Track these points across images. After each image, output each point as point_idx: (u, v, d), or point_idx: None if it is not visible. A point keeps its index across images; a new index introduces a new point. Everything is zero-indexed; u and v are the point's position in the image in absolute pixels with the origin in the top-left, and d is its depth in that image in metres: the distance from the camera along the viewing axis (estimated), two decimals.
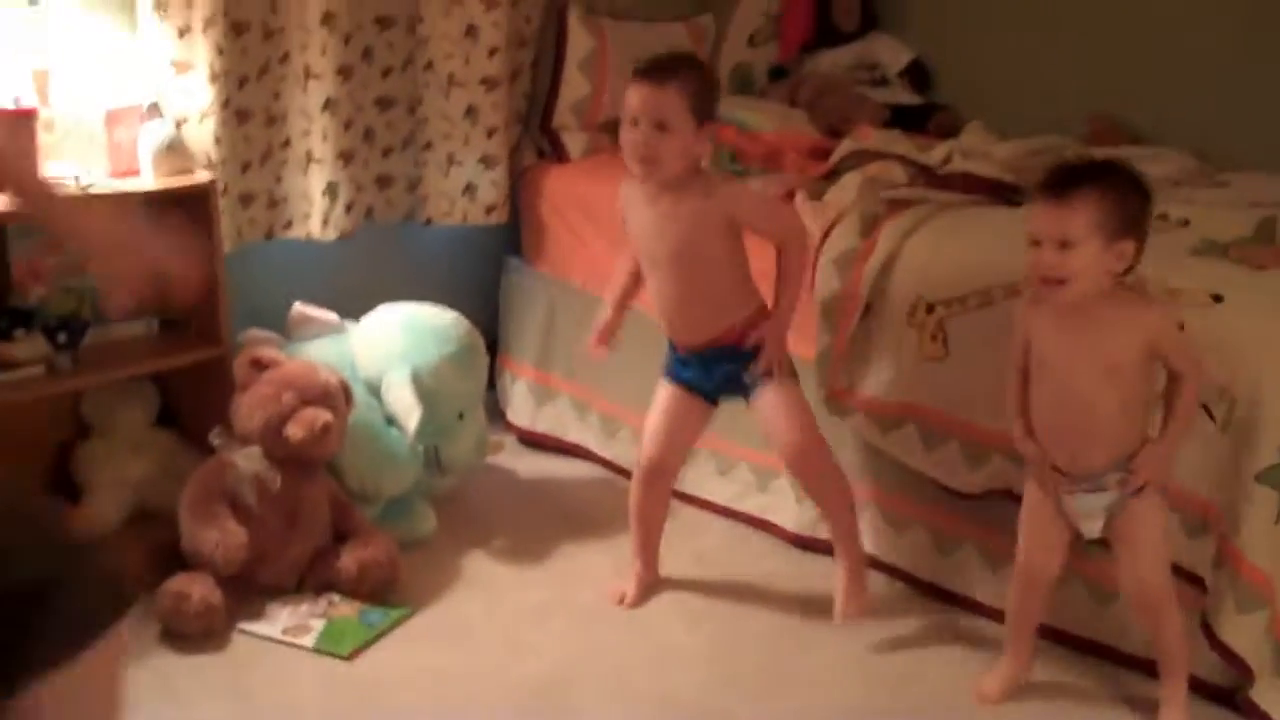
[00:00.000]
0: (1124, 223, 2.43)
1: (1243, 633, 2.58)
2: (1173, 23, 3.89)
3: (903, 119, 4.08)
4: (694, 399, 3.01)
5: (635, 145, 2.76)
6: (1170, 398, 2.51)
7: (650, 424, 3.06)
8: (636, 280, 3.05)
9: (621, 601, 3.11)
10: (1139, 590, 2.58)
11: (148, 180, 3.12)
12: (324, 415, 3.06)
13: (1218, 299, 2.67)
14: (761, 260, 2.92)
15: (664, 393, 3.04)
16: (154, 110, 3.17)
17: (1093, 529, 2.59)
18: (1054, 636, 2.91)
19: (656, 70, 2.78)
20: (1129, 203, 2.44)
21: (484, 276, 4.01)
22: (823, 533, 3.24)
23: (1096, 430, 2.52)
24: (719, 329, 2.90)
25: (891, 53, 4.39)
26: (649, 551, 3.17)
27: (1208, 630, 2.63)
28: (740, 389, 2.94)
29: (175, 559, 3.00)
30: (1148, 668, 2.74)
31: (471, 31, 3.67)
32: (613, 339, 3.09)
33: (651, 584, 3.17)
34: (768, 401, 2.91)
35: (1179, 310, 2.65)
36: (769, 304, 2.92)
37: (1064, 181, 2.45)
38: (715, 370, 2.95)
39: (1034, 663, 2.80)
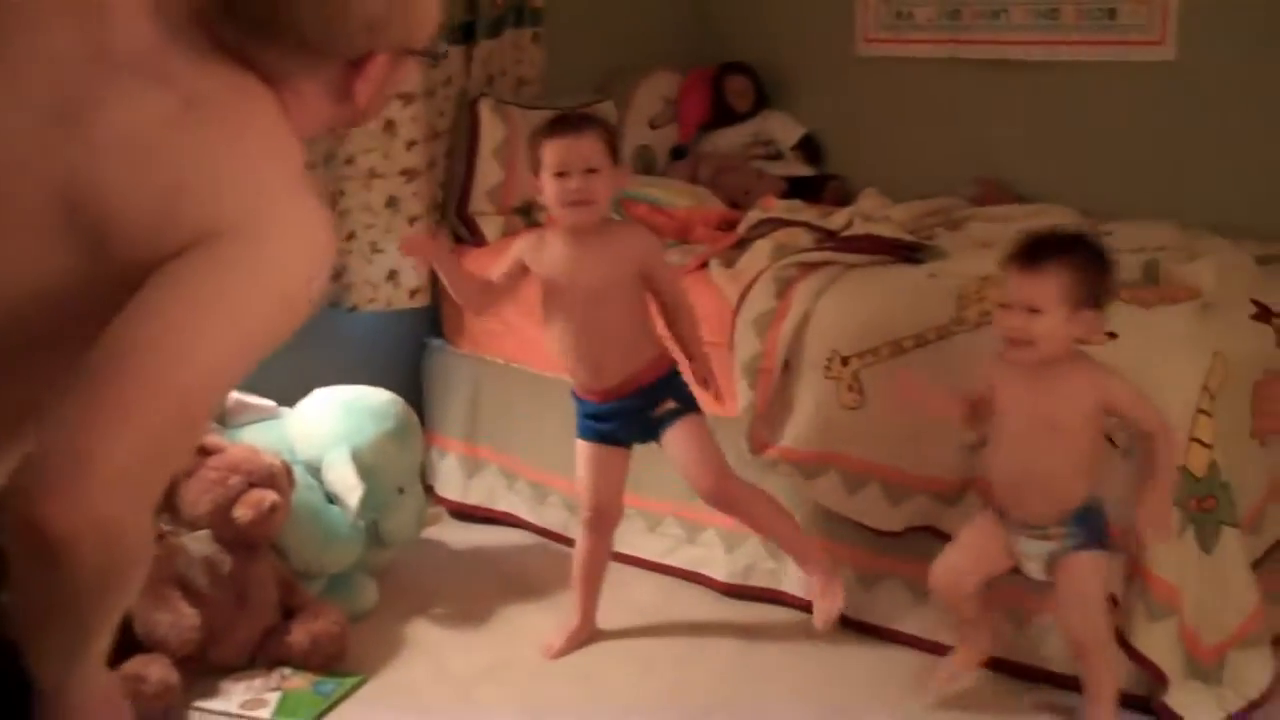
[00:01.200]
0: (1089, 293, 2.61)
1: (1155, 640, 2.77)
2: (1047, 89, 4.16)
3: (799, 190, 4.30)
4: (611, 450, 3.19)
5: (570, 192, 2.97)
6: (1144, 455, 2.68)
7: (581, 482, 3.23)
8: (489, 292, 3.24)
9: (548, 652, 3.25)
10: (1074, 636, 2.76)
11: None
12: (270, 496, 3.16)
13: (1112, 336, 2.88)
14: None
15: (584, 451, 3.21)
16: None
17: (1035, 571, 2.77)
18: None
19: (577, 123, 3.04)
20: (1094, 275, 2.63)
21: (407, 358, 4.13)
22: (754, 580, 3.41)
23: (1044, 484, 2.70)
24: (631, 370, 3.08)
25: (784, 129, 4.60)
26: (589, 603, 3.31)
27: (1123, 642, 2.81)
28: (650, 430, 3.12)
29: (127, 643, 3.07)
30: (1069, 683, 2.92)
31: (390, 127, 3.81)
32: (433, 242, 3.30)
33: (586, 637, 3.31)
34: (676, 442, 3.10)
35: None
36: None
37: (1036, 252, 2.63)
38: (627, 416, 3.12)
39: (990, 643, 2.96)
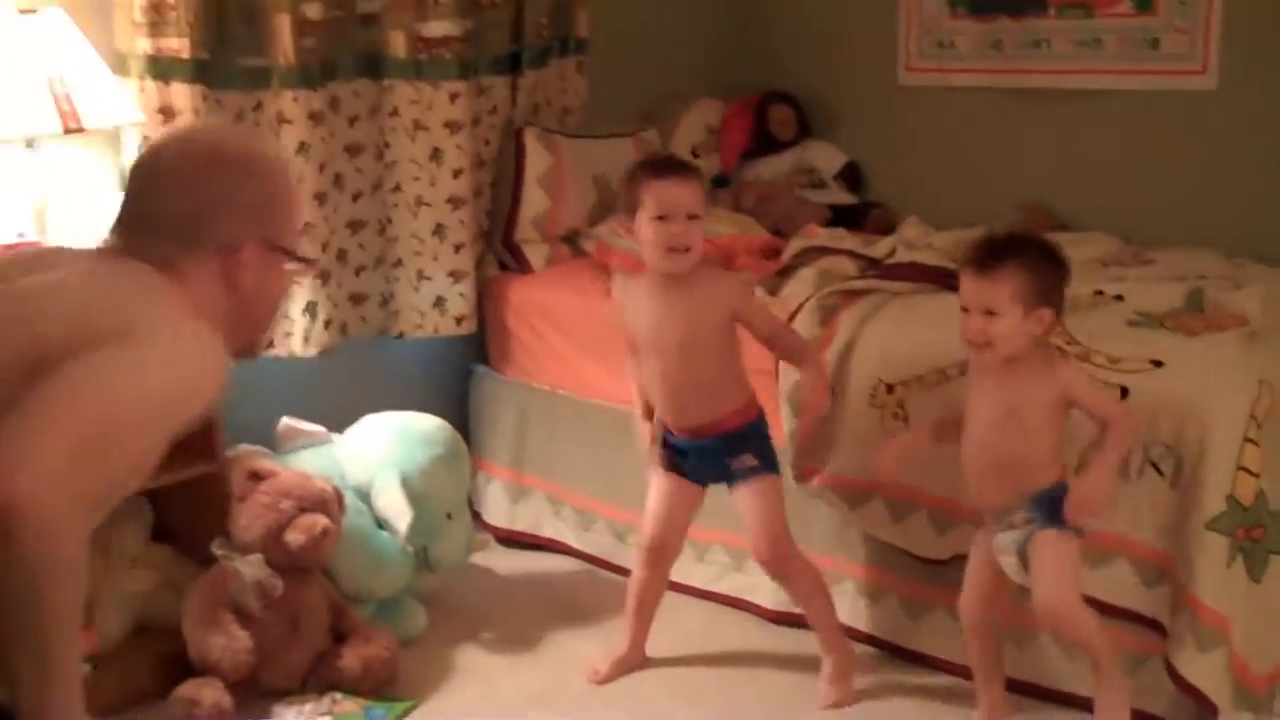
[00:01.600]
0: (1042, 292, 2.69)
1: (1204, 670, 2.77)
2: (1090, 118, 4.18)
3: (841, 218, 4.32)
4: (686, 484, 3.21)
5: (673, 236, 2.97)
6: (1100, 440, 2.72)
7: (649, 509, 3.25)
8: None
9: (595, 677, 3.28)
10: (1048, 617, 2.76)
11: None
12: (322, 520, 3.21)
13: (1158, 364, 2.90)
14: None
15: (658, 479, 3.23)
16: None
17: (1010, 565, 2.80)
18: (1039, 694, 3.08)
19: (681, 168, 3.06)
20: (1047, 274, 2.71)
21: (454, 384, 4.17)
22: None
23: (1010, 469, 2.75)
24: (717, 414, 3.10)
25: (826, 157, 4.63)
26: (639, 632, 3.33)
27: (1171, 671, 2.82)
28: (726, 477, 3.15)
29: (180, 669, 3.11)
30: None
31: (436, 155, 3.87)
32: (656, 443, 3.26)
33: (634, 664, 3.33)
34: (746, 500, 3.13)
35: (1120, 375, 2.89)
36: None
37: (989, 255, 2.72)
38: (707, 457, 3.14)
39: (1010, 716, 2.97)
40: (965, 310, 2.73)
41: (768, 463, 3.13)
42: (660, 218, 2.96)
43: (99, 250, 2.12)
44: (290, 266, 2.19)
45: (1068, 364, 2.79)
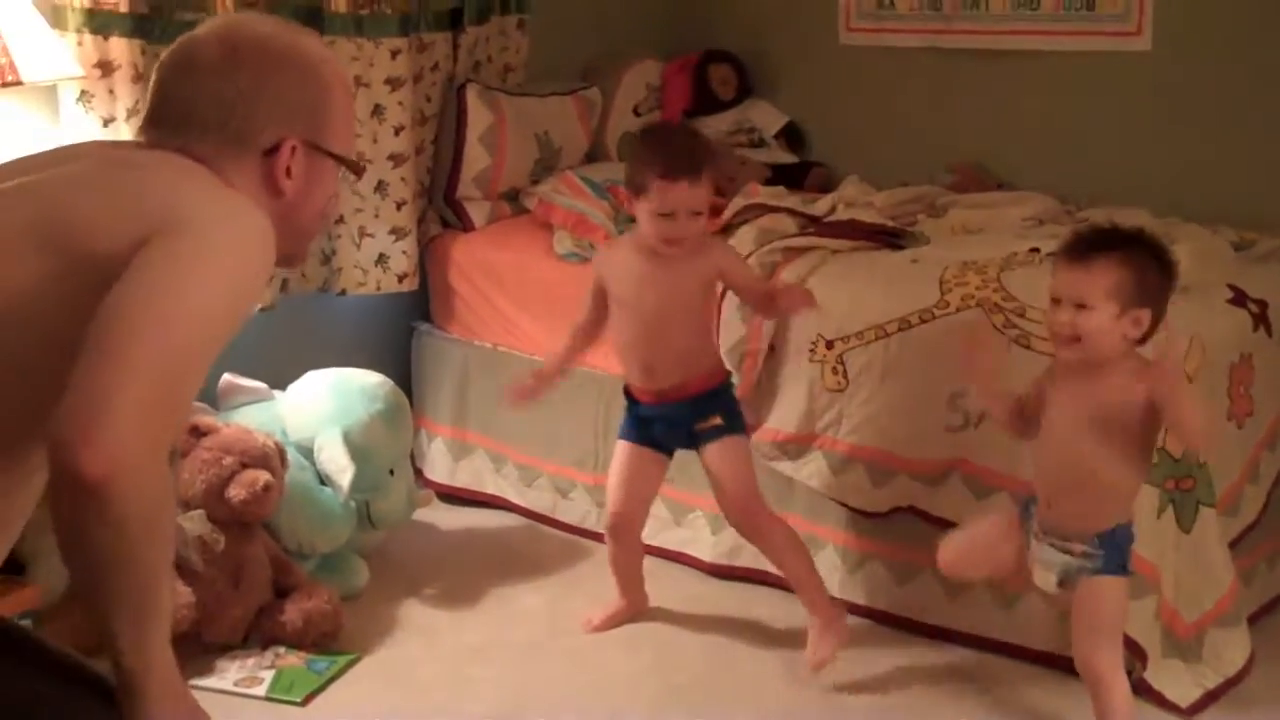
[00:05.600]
0: (1142, 292, 2.50)
1: (1135, 618, 2.83)
2: (1027, 79, 4.23)
3: (782, 177, 4.34)
4: (653, 454, 3.23)
5: (672, 230, 2.98)
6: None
7: (612, 482, 3.27)
8: (581, 346, 3.29)
9: (588, 628, 3.33)
10: (1090, 665, 2.67)
11: None
12: (264, 476, 3.21)
13: None
14: None
15: (621, 452, 3.25)
16: None
17: (1047, 581, 2.68)
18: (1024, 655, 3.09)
19: (694, 169, 2.96)
20: (1149, 272, 2.51)
21: (396, 342, 4.18)
22: (740, 561, 3.47)
23: (1089, 487, 2.59)
24: (685, 377, 3.12)
25: (767, 117, 4.66)
26: (631, 589, 3.37)
27: None
28: (692, 441, 3.16)
29: None
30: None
31: (377, 111, 3.86)
32: (533, 398, 3.33)
33: (632, 615, 3.37)
34: (714, 460, 3.13)
35: None
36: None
37: (1087, 246, 2.54)
38: (672, 422, 3.16)
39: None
40: (1055, 302, 2.54)
41: (733, 423, 3.15)
42: (664, 215, 2.98)
43: (130, 142, 1.97)
44: (339, 173, 1.92)
45: (1155, 365, 2.53)
